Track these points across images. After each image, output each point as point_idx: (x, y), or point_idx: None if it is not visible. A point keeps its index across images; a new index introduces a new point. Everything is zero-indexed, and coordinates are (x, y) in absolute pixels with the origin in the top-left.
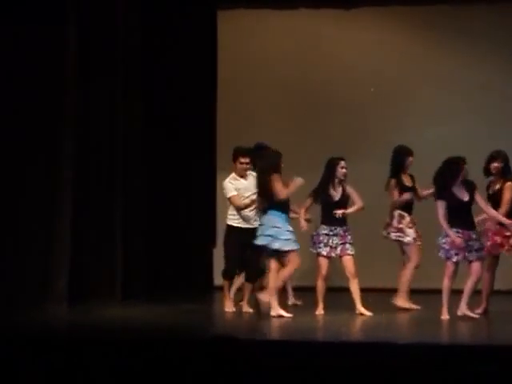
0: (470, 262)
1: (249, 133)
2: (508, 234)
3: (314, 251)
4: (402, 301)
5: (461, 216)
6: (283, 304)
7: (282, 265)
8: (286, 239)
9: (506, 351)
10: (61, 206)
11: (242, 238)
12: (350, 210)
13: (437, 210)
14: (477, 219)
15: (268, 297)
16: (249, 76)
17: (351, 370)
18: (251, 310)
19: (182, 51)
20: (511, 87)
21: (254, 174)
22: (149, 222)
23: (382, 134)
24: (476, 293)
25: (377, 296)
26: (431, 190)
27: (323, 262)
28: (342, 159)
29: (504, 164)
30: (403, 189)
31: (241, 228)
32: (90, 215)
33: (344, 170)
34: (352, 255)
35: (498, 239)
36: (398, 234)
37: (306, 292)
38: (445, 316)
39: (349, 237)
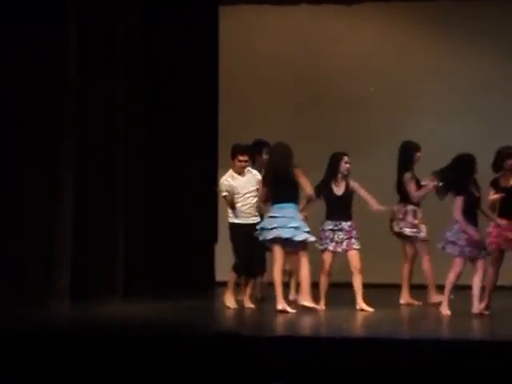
0: (477, 258)
1: (250, 130)
2: None
3: (321, 247)
4: (435, 297)
5: (473, 213)
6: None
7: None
8: (308, 231)
9: (508, 347)
10: (61, 205)
11: (245, 233)
12: (380, 206)
13: (456, 205)
14: None
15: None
16: (250, 72)
17: (353, 366)
18: (253, 306)
19: (182, 49)
20: None
21: (253, 171)
22: (150, 219)
23: (383, 131)
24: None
25: (378, 291)
26: (430, 185)
27: (327, 258)
28: (346, 154)
29: None
30: (418, 183)
31: (243, 224)
32: (91, 214)
33: (348, 165)
34: (358, 250)
35: (510, 234)
36: (414, 229)
37: None
38: (445, 311)
39: (354, 232)
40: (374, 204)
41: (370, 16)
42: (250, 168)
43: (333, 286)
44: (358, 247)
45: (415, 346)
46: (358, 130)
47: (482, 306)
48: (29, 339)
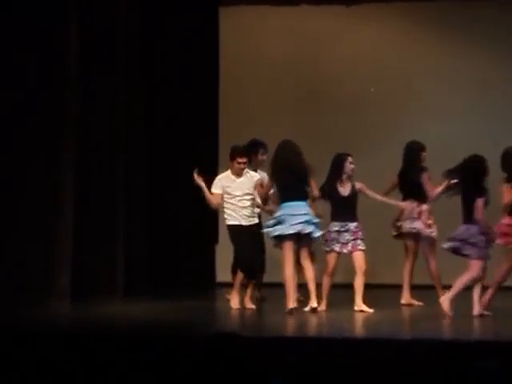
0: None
1: (251, 130)
2: None
3: (328, 249)
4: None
5: (484, 214)
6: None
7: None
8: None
9: (510, 348)
10: (61, 205)
11: (243, 235)
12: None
13: (477, 207)
14: None
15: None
16: (250, 73)
17: (354, 366)
18: (254, 307)
19: (183, 49)
20: None
21: (251, 172)
22: (150, 219)
23: (382, 131)
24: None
25: (378, 292)
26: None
27: (332, 259)
28: (350, 155)
29: None
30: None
31: (239, 225)
32: (91, 214)
33: (352, 166)
34: (363, 251)
35: None
36: (430, 229)
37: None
38: (446, 307)
39: (360, 233)
40: (387, 200)
41: (369, 17)
42: (248, 170)
43: (335, 286)
44: (363, 248)
45: (416, 347)
46: (358, 130)
47: (484, 299)
48: (29, 339)
